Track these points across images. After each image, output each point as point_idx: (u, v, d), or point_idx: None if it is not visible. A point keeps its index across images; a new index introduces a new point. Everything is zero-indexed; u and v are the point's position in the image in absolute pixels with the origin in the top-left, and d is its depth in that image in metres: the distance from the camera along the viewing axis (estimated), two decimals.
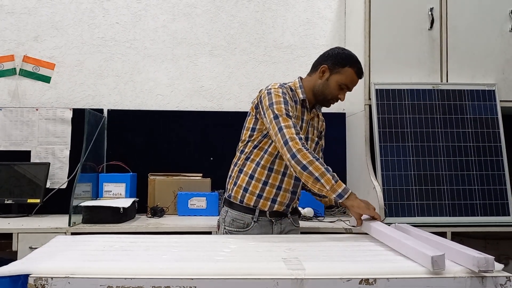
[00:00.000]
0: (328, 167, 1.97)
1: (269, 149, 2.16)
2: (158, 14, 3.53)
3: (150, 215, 3.06)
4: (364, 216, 2.01)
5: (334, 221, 2.90)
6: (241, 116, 3.39)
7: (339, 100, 2.23)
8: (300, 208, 3.03)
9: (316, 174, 1.92)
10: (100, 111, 3.39)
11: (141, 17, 3.52)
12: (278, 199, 2.20)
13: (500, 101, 2.93)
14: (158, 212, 3.04)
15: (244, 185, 2.19)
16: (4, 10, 3.45)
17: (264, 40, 3.56)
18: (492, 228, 2.72)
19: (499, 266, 1.39)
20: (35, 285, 1.29)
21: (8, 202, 3.11)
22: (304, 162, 1.93)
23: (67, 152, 3.36)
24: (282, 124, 2.00)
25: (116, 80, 3.49)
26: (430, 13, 2.95)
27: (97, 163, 3.22)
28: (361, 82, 2.95)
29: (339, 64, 2.16)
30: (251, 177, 2.18)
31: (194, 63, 3.53)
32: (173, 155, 3.41)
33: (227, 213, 2.23)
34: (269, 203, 2.19)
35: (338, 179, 1.96)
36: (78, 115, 3.33)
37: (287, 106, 2.07)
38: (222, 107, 3.51)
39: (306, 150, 1.95)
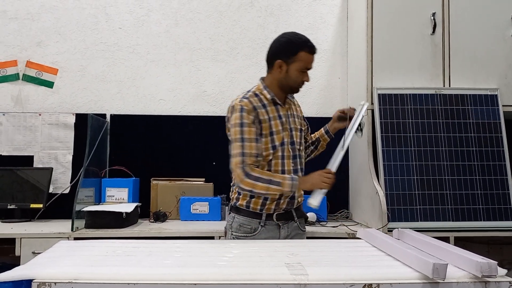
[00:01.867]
0: (270, 177, 2.11)
1: (264, 153, 2.20)
2: (160, 20, 3.54)
3: (152, 220, 3.06)
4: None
5: (337, 226, 2.89)
6: None
7: (306, 82, 2.26)
8: None
9: (264, 192, 2.13)
10: (103, 116, 3.39)
11: (143, 22, 3.53)
12: (282, 198, 2.22)
13: (503, 105, 2.93)
14: (160, 217, 3.04)
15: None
16: (8, 15, 3.46)
17: (267, 45, 3.50)
18: (495, 233, 2.71)
19: (502, 271, 1.38)
20: None
21: (11, 207, 3.12)
22: (249, 188, 2.12)
23: (70, 157, 3.36)
24: (233, 152, 2.15)
25: (119, 85, 3.50)
26: (432, 18, 2.95)
27: (100, 168, 3.23)
28: (363, 86, 2.98)
29: (291, 53, 2.19)
30: None
31: (197, 68, 3.54)
32: (176, 160, 3.41)
33: (234, 219, 2.24)
34: (274, 204, 2.21)
35: (280, 182, 2.11)
36: (81, 120, 3.34)
37: (241, 144, 2.13)
38: (225, 112, 3.45)
39: (246, 177, 2.10)
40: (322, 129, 2.51)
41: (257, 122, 2.17)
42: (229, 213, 2.29)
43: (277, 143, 2.20)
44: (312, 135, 2.56)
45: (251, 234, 2.19)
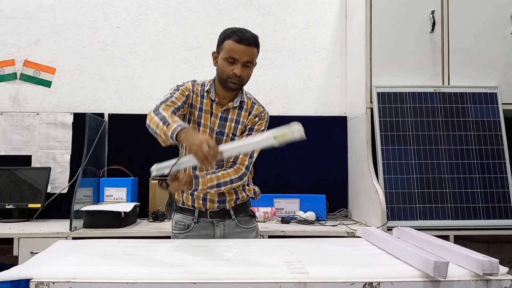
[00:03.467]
0: (169, 118, 1.90)
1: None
2: (158, 18, 3.53)
3: (151, 220, 3.05)
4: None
5: (336, 225, 2.88)
6: None
7: (236, 76, 2.05)
8: (301, 212, 3.03)
9: (154, 128, 1.95)
10: (101, 115, 3.38)
11: (141, 21, 3.52)
12: (208, 196, 2.14)
13: (502, 103, 2.93)
14: (159, 217, 3.03)
15: None
16: (5, 15, 3.45)
17: (265, 44, 3.54)
18: (495, 231, 2.70)
19: (503, 269, 1.38)
20: None
21: (8, 207, 3.10)
22: (148, 119, 2.00)
23: (67, 157, 3.35)
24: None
25: (117, 85, 3.48)
26: (431, 16, 2.95)
27: (98, 168, 3.21)
28: (362, 85, 2.98)
29: (220, 43, 2.12)
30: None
31: (195, 67, 3.52)
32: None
33: (173, 217, 2.24)
34: (201, 201, 2.16)
35: (169, 123, 1.87)
36: (79, 119, 3.33)
37: (168, 96, 2.10)
38: None
39: (153, 110, 1.98)
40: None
41: (188, 103, 2.15)
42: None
43: None
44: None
45: (184, 231, 2.16)
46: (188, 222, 2.17)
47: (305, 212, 3.02)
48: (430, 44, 2.96)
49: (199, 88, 2.18)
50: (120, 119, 3.41)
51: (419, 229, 2.00)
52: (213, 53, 2.16)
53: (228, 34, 2.09)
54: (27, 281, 1.31)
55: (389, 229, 2.48)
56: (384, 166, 2.77)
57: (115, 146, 3.39)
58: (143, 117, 3.38)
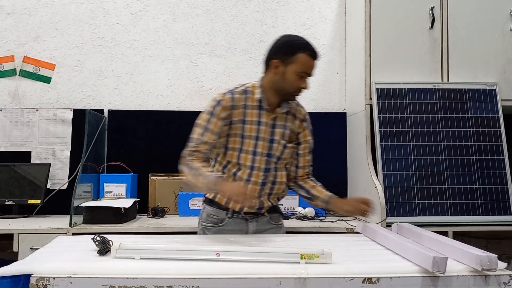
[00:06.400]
0: (209, 174, 1.97)
1: (230, 145, 2.12)
2: (158, 14, 3.53)
3: (151, 216, 3.05)
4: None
5: (335, 221, 2.89)
6: None
7: (303, 89, 2.09)
8: (300, 208, 3.04)
9: (193, 182, 1.98)
10: (101, 111, 3.38)
11: (141, 17, 3.52)
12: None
13: (501, 100, 2.93)
14: (159, 213, 3.04)
15: None
16: (4, 10, 3.44)
17: (265, 40, 3.55)
18: (494, 228, 2.71)
19: (502, 264, 1.39)
20: (37, 285, 1.29)
21: (8, 203, 3.11)
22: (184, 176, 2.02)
23: (67, 153, 3.35)
24: (191, 136, 2.11)
25: (117, 81, 3.48)
26: (431, 12, 2.94)
27: (98, 164, 3.22)
28: (361, 81, 2.98)
29: (289, 53, 2.03)
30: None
31: (195, 63, 3.53)
32: (174, 156, 3.35)
33: (204, 209, 2.22)
34: (238, 205, 2.12)
35: (210, 176, 1.95)
36: (79, 115, 3.33)
37: (201, 131, 2.09)
38: None
39: (186, 168, 2.01)
40: (325, 197, 2.19)
41: (227, 123, 2.09)
42: (203, 204, 2.26)
43: (248, 149, 2.10)
44: (311, 185, 2.29)
45: (218, 225, 2.15)
46: (222, 217, 2.15)
47: (304, 208, 3.03)
48: (429, 40, 2.96)
49: (241, 98, 2.11)
50: (119, 115, 3.41)
51: (418, 225, 2.01)
52: (274, 61, 2.05)
53: (300, 47, 2.04)
54: (27, 277, 1.32)
55: (388, 225, 2.49)
56: (383, 162, 2.77)
57: (115, 142, 3.39)
58: (143, 113, 3.44)
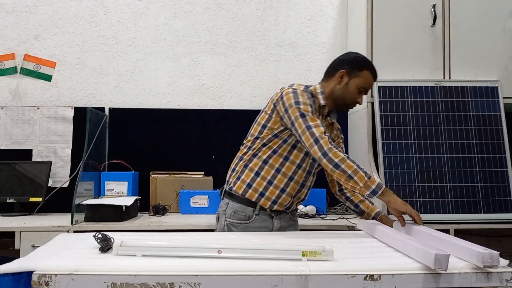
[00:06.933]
0: (359, 164, 1.96)
1: (279, 150, 2.14)
2: (159, 12, 3.52)
3: (152, 214, 3.05)
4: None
5: (337, 219, 2.89)
6: (242, 114, 3.38)
7: (358, 104, 2.21)
8: (302, 206, 3.03)
9: (349, 172, 1.93)
10: (102, 109, 3.38)
11: (142, 15, 3.51)
12: (279, 201, 2.18)
13: (503, 97, 2.92)
14: (160, 211, 3.04)
15: (248, 180, 2.17)
16: (5, 8, 3.44)
17: (266, 38, 3.55)
18: (495, 225, 2.71)
19: (504, 261, 1.38)
20: (39, 282, 1.29)
21: (10, 201, 3.11)
22: (336, 160, 1.94)
23: (68, 151, 3.35)
24: (311, 123, 2.00)
25: (118, 79, 3.48)
26: (432, 10, 2.94)
27: (99, 162, 3.22)
28: None
29: (357, 68, 2.16)
30: (257, 174, 2.16)
31: (196, 61, 3.52)
32: (175, 154, 3.41)
33: (228, 205, 2.20)
34: (269, 202, 2.17)
35: (371, 175, 1.95)
36: (80, 113, 3.33)
37: (312, 108, 2.07)
38: (224, 105, 3.50)
39: (336, 149, 1.96)
40: (373, 213, 2.29)
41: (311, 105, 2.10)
42: (222, 198, 2.25)
43: (303, 148, 2.13)
44: (359, 199, 2.35)
45: (245, 222, 2.16)
46: (249, 214, 2.17)
47: (305, 206, 3.02)
48: (431, 38, 2.96)
49: (309, 96, 2.16)
50: (120, 113, 3.41)
51: None
52: (342, 72, 2.17)
53: (368, 65, 2.19)
54: (29, 274, 1.32)
55: None
56: (384, 160, 2.77)
57: (116, 140, 3.39)
58: (144, 111, 3.44)
